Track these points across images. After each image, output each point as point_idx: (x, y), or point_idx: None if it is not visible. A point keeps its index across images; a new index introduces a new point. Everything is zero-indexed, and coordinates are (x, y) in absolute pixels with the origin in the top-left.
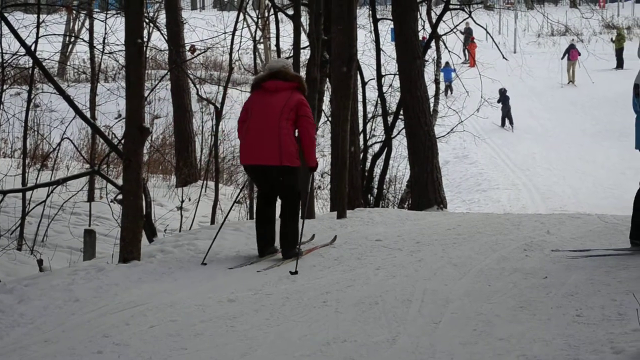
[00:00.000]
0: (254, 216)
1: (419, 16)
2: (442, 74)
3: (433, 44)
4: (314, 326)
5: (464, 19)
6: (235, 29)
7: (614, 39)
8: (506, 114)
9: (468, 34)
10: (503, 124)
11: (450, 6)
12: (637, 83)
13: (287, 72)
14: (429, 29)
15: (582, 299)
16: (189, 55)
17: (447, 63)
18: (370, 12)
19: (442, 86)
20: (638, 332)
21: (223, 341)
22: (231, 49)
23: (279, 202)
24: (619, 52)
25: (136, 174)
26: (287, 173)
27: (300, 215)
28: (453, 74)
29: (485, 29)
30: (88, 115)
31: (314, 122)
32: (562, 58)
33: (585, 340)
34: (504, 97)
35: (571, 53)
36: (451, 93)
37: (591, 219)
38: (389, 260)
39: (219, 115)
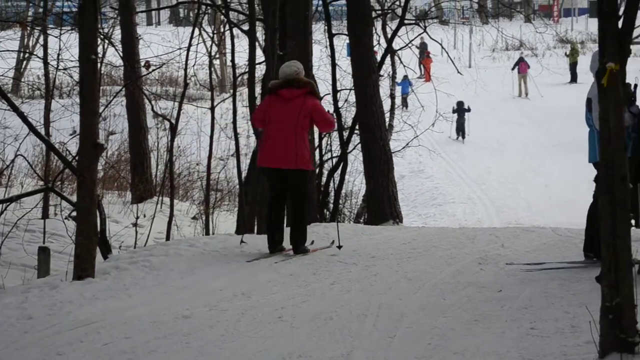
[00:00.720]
0: (266, 216)
1: (374, 31)
2: (399, 87)
3: (388, 58)
4: (268, 342)
5: (419, 34)
6: (190, 45)
7: (568, 53)
8: (460, 126)
9: (423, 48)
10: (458, 136)
11: (405, 21)
12: (590, 97)
13: (300, 80)
14: (384, 44)
15: (536, 312)
16: (144, 71)
17: (405, 77)
18: (326, 27)
19: (399, 100)
20: (591, 344)
21: (178, 358)
22: (186, 64)
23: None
24: (573, 67)
25: (90, 190)
26: (300, 175)
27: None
28: (410, 88)
29: (440, 44)
30: (42, 131)
31: (332, 120)
32: (513, 69)
33: (539, 352)
34: (460, 109)
35: (520, 66)
36: (406, 108)
37: (545, 232)
38: (344, 274)
39: (174, 131)
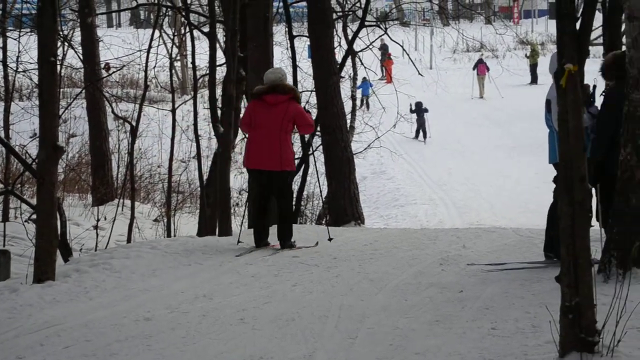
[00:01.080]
0: (252, 213)
1: (335, 33)
2: (359, 90)
3: (349, 60)
4: (230, 344)
5: (380, 36)
6: (150, 47)
7: (528, 54)
8: (420, 126)
9: (384, 50)
10: (417, 136)
11: (366, 23)
12: (549, 98)
13: (285, 86)
14: (345, 46)
15: (497, 312)
16: (104, 73)
17: (364, 78)
18: (287, 29)
19: (359, 101)
20: (551, 344)
21: None
22: (146, 66)
23: None
24: (533, 68)
25: (50, 193)
26: (285, 176)
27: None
28: (370, 89)
29: (402, 46)
30: (2, 134)
31: (312, 123)
32: (474, 69)
33: (500, 353)
34: (419, 110)
35: (479, 68)
36: (367, 109)
37: (507, 232)
38: (306, 276)
39: (134, 133)
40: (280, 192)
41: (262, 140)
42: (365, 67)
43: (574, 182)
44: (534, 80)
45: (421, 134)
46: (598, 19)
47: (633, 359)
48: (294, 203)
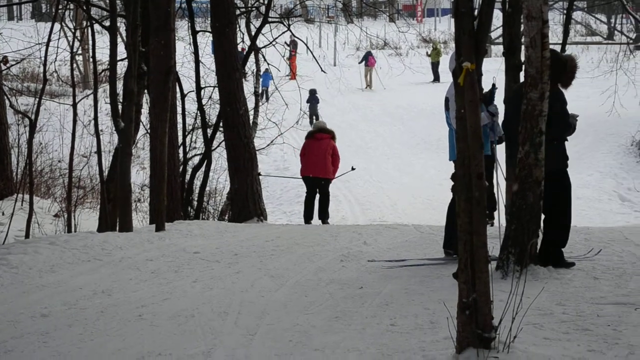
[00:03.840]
0: (304, 203)
1: (238, 29)
2: (260, 80)
3: (253, 56)
4: (128, 340)
5: (283, 32)
6: (49, 40)
7: (429, 52)
8: (313, 112)
9: (294, 46)
10: (311, 122)
11: (269, 19)
12: (448, 96)
13: (327, 129)
14: (248, 42)
15: (396, 309)
16: (2, 66)
17: (266, 69)
18: (189, 24)
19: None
20: (449, 340)
21: (35, 357)
22: (45, 59)
23: None
24: (435, 66)
25: None
26: (328, 180)
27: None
28: (270, 82)
29: (305, 43)
30: None
31: (339, 157)
32: (360, 63)
33: (398, 349)
34: (312, 97)
35: (369, 60)
36: (267, 101)
37: (408, 229)
38: (207, 272)
39: (33, 127)
40: (323, 190)
41: (314, 158)
42: (268, 64)
43: (472, 179)
44: (437, 78)
45: (315, 120)
46: (499, 18)
47: (528, 354)
48: (195, 200)
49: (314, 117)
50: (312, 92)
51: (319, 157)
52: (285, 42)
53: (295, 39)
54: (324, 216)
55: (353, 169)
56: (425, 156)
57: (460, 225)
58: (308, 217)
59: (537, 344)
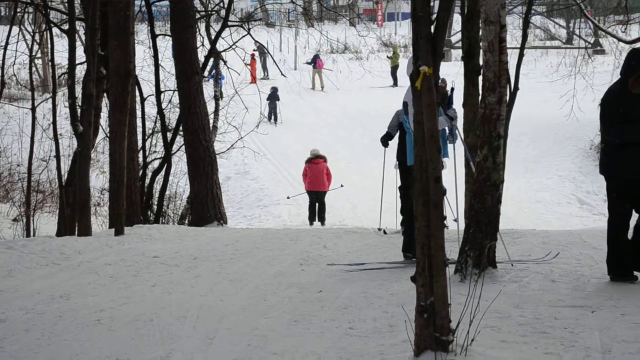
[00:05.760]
0: (309, 209)
1: (198, 32)
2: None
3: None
4: (86, 345)
5: (243, 36)
6: (7, 43)
7: (389, 55)
8: (272, 110)
9: (261, 51)
10: (270, 119)
11: (229, 23)
12: (406, 101)
13: (320, 155)
14: (208, 45)
15: (355, 312)
16: None
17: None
18: (149, 27)
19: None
20: (407, 343)
21: None
22: (2, 63)
23: None
24: (394, 70)
25: None
26: (324, 193)
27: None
28: (223, 81)
29: (265, 47)
30: None
31: (331, 174)
32: (309, 64)
33: (357, 352)
34: (273, 95)
35: (317, 62)
36: (221, 98)
37: (368, 233)
38: (166, 276)
39: None
40: (321, 199)
41: (314, 177)
42: (228, 67)
43: (429, 182)
44: (396, 82)
45: (273, 117)
46: (459, 22)
47: (486, 357)
48: (155, 204)
49: (273, 116)
50: (274, 90)
51: (318, 176)
52: (254, 49)
53: (257, 43)
54: (322, 218)
55: (342, 185)
56: (386, 159)
57: (418, 228)
58: (312, 219)
59: (494, 346)
